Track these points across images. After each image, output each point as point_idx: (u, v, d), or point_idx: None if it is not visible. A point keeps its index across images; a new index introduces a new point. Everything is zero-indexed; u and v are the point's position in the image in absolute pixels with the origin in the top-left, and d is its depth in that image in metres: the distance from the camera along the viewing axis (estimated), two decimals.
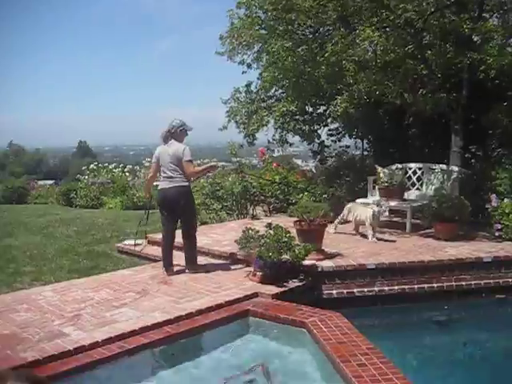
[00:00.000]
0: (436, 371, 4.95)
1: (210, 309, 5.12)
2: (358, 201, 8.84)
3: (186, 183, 6.28)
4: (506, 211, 7.44)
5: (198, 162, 11.76)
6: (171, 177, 6.23)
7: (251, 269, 6.07)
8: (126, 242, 8.17)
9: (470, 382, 4.72)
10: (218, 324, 4.95)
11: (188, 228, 6.44)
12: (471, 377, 4.85)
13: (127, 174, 16.75)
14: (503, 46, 8.96)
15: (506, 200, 7.71)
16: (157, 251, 7.64)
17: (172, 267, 6.38)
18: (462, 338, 5.70)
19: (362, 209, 7.88)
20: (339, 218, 8.10)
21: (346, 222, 8.17)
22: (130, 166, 17.81)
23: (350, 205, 8.14)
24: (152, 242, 8.04)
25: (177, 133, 6.34)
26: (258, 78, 13.15)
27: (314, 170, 13.52)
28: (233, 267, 6.58)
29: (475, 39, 9.73)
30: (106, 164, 17.80)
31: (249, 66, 12.05)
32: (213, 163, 7.10)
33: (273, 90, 13.52)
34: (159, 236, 8.10)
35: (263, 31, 10.28)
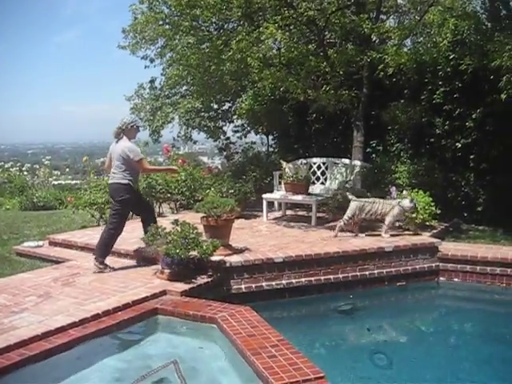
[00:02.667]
0: (343, 358, 5.10)
1: (116, 309, 4.97)
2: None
3: (125, 181, 6.29)
4: None
5: (101, 159, 11.46)
6: (114, 173, 6.37)
7: (159, 267, 5.97)
8: (26, 244, 7.77)
9: (375, 366, 4.89)
10: (126, 324, 4.82)
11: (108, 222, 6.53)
12: (376, 360, 5.03)
13: (25, 173, 15.96)
14: (400, 47, 9.38)
15: (404, 192, 8.06)
16: (59, 252, 7.36)
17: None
18: (366, 324, 5.92)
19: (386, 203, 7.51)
20: (345, 219, 7.48)
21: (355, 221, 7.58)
22: (29, 165, 17.01)
23: (358, 203, 7.47)
24: (54, 243, 7.70)
25: (127, 129, 6.38)
26: (161, 74, 13.00)
27: (220, 166, 13.53)
28: (140, 266, 6.44)
29: (374, 39, 10.13)
30: (2, 163, 16.90)
31: (152, 60, 11.87)
32: (173, 167, 7.20)
33: (178, 87, 13.40)
34: (61, 237, 7.83)
35: (167, 27, 10.13)
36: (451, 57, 9.00)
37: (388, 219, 7.44)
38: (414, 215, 7.63)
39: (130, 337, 4.78)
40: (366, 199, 7.63)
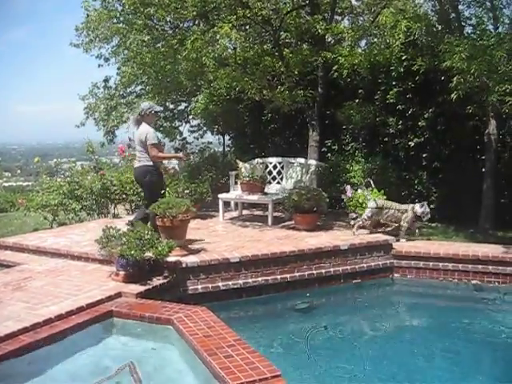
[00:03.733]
0: (300, 356, 5.11)
1: (70, 313, 4.85)
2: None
3: (150, 163, 6.79)
4: (360, 201, 7.89)
5: (55, 160, 11.21)
6: (138, 157, 6.92)
7: (113, 268, 5.87)
8: None
9: (332, 363, 4.92)
10: (80, 328, 4.72)
11: (146, 205, 6.80)
12: (332, 358, 5.08)
13: None
14: (354, 47, 9.50)
15: (359, 190, 8.17)
16: (10, 256, 7.14)
17: None
18: (323, 322, 5.95)
19: (401, 208, 7.56)
20: (364, 219, 7.54)
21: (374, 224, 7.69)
22: None
23: (374, 204, 7.55)
24: (4, 247, 7.48)
25: (146, 115, 6.84)
26: (116, 74, 12.81)
27: (176, 167, 13.41)
28: (94, 268, 6.32)
29: (329, 39, 10.23)
30: None
31: (106, 60, 11.68)
32: (180, 154, 7.37)
33: (133, 86, 13.23)
34: (12, 240, 7.61)
35: (121, 25, 9.99)
36: (404, 58, 9.17)
37: (403, 225, 7.52)
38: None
39: (84, 341, 4.67)
40: (385, 201, 7.70)
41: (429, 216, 7.51)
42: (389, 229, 7.75)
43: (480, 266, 6.73)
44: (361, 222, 7.58)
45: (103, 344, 4.73)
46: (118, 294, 5.35)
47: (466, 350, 5.26)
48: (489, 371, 5.05)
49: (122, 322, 4.95)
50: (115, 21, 9.98)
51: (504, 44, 6.88)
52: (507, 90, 6.82)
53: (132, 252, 5.53)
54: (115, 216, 9.46)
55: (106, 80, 13.60)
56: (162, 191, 7.00)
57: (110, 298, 5.24)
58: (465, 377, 4.69)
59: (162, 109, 7.21)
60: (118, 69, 12.28)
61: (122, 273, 5.70)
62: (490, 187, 8.38)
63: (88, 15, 10.47)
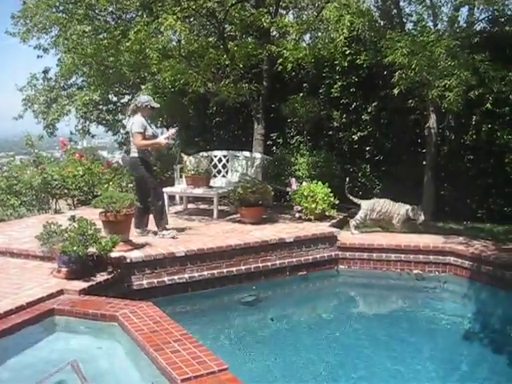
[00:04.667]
0: (248, 349, 5.14)
1: (9, 312, 4.67)
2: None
3: (136, 154, 6.84)
4: (305, 194, 7.96)
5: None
6: (129, 148, 7.11)
7: (55, 265, 5.70)
8: None
9: (279, 355, 4.97)
10: (20, 327, 4.54)
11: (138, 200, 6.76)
12: (279, 349, 5.13)
13: None
14: (298, 41, 9.55)
15: (304, 183, 8.24)
16: None
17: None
18: (269, 315, 6.02)
19: (395, 206, 7.61)
20: (358, 219, 7.63)
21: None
22: None
23: (369, 204, 7.66)
24: None
25: (142, 107, 6.87)
26: (57, 65, 12.46)
27: (120, 161, 13.18)
28: (35, 265, 6.11)
29: (274, 33, 10.25)
30: None
31: (45, 50, 11.34)
32: (159, 140, 7.00)
33: (74, 78, 12.92)
34: None
35: (61, 14, 9.70)
36: (348, 52, 9.31)
37: (395, 224, 7.61)
38: (313, 206, 7.82)
39: (25, 341, 4.51)
40: (376, 200, 7.79)
41: (422, 218, 7.59)
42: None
43: (421, 256, 6.90)
44: (355, 223, 7.64)
45: (45, 343, 4.58)
46: (60, 292, 5.19)
47: (408, 338, 5.41)
48: (430, 357, 5.20)
49: (64, 319, 4.81)
50: (54, 10, 9.68)
51: (443, 40, 7.05)
52: (446, 86, 7.00)
53: (74, 248, 5.38)
54: (57, 211, 9.19)
55: (46, 71, 13.24)
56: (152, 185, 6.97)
57: (51, 296, 5.08)
58: (407, 363, 4.81)
59: (158, 105, 7.19)
60: (58, 60, 11.96)
61: (64, 269, 5.54)
62: (430, 179, 8.62)
63: (25, 2, 10.11)
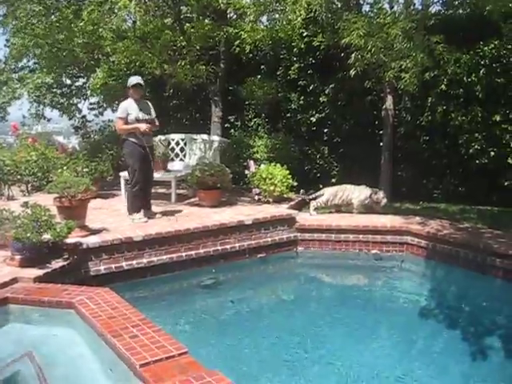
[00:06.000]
0: (208, 332, 5.14)
1: None
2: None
3: (124, 137, 6.87)
4: (263, 176, 7.94)
5: None
6: None
7: (8, 253, 5.54)
8: None
9: (240, 337, 4.97)
10: None
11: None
12: (240, 331, 5.13)
13: None
14: (255, 23, 9.46)
15: (262, 166, 8.24)
16: None
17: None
18: (229, 297, 5.99)
19: (356, 189, 7.69)
20: (320, 202, 7.66)
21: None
22: None
23: (332, 190, 7.73)
24: None
25: (129, 89, 6.90)
26: (5, 45, 12.05)
27: (77, 146, 12.89)
28: None
29: (231, 15, 10.13)
30: None
31: None
32: (140, 125, 6.81)
33: (25, 60, 12.51)
34: None
35: None
36: (305, 34, 9.31)
37: (355, 203, 7.66)
38: (272, 188, 7.83)
39: None
40: (339, 186, 7.82)
41: (385, 200, 7.70)
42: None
43: (379, 237, 7.01)
44: (316, 204, 7.66)
45: None
46: (14, 280, 5.04)
47: (367, 317, 5.49)
48: (387, 334, 5.31)
49: (19, 308, 4.67)
50: None
51: (399, 22, 7.08)
52: (402, 67, 7.06)
53: (28, 235, 5.23)
54: (10, 198, 8.93)
55: None
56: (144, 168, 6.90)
57: (5, 285, 4.92)
58: (366, 342, 4.89)
59: (137, 81, 6.93)
60: (7, 41, 11.55)
61: (17, 257, 5.38)
62: (387, 161, 8.73)
63: None
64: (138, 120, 6.81)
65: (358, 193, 7.69)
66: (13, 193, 9.29)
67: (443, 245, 6.49)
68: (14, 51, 11.02)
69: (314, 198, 7.78)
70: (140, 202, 6.97)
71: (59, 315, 4.56)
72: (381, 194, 7.71)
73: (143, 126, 6.79)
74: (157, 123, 7.24)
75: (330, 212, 7.79)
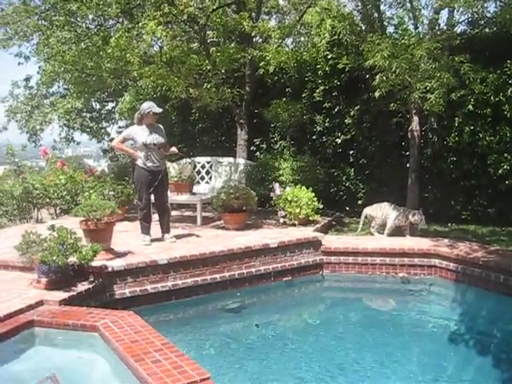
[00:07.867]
0: (232, 357, 5.06)
1: None
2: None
3: (134, 159, 7.06)
4: (289, 199, 7.91)
5: None
6: None
7: (35, 276, 5.60)
8: None
9: (265, 362, 4.90)
10: None
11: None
12: (264, 356, 5.06)
13: None
14: (280, 45, 9.54)
15: (287, 188, 8.21)
16: None
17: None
18: (254, 321, 5.93)
19: (389, 211, 7.66)
20: (377, 222, 7.73)
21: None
22: None
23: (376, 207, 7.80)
24: None
25: (145, 115, 6.87)
26: (38, 72, 12.36)
27: (106, 169, 13.07)
28: (14, 276, 6.00)
29: (256, 38, 10.25)
30: None
31: (26, 58, 11.24)
32: (134, 152, 6.98)
33: (56, 86, 12.81)
34: None
35: (42, 21, 9.62)
36: (329, 56, 9.32)
37: (389, 222, 7.61)
38: (297, 210, 7.79)
39: (3, 354, 4.40)
40: (378, 204, 7.84)
41: (424, 223, 7.54)
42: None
43: (406, 259, 6.88)
44: (394, 225, 7.59)
45: (24, 356, 4.47)
46: (40, 303, 5.09)
47: (395, 342, 5.37)
48: (417, 360, 5.16)
49: (44, 331, 4.70)
50: (36, 17, 9.60)
51: (424, 43, 7.06)
52: (428, 88, 7.01)
53: (54, 257, 5.29)
54: (38, 221, 9.08)
55: (27, 79, 13.12)
56: (150, 188, 6.91)
57: (30, 307, 4.97)
58: (395, 366, 4.77)
59: (161, 110, 7.08)
60: (39, 67, 11.86)
61: (43, 280, 5.44)
62: (414, 182, 8.60)
63: (3, 10, 10.01)
64: (145, 145, 6.80)
65: (395, 213, 7.60)
66: (42, 216, 9.45)
67: (473, 268, 6.33)
68: (45, 77, 11.29)
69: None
70: (147, 225, 7.07)
71: (83, 338, 4.57)
72: (418, 216, 7.48)
73: (135, 153, 6.92)
74: (173, 148, 7.30)
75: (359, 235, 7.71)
